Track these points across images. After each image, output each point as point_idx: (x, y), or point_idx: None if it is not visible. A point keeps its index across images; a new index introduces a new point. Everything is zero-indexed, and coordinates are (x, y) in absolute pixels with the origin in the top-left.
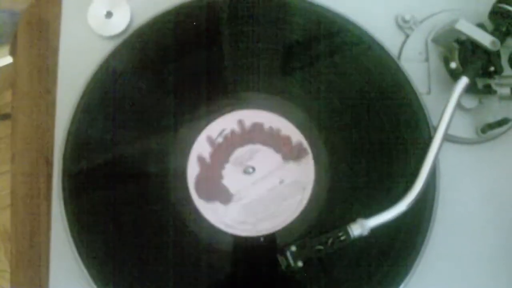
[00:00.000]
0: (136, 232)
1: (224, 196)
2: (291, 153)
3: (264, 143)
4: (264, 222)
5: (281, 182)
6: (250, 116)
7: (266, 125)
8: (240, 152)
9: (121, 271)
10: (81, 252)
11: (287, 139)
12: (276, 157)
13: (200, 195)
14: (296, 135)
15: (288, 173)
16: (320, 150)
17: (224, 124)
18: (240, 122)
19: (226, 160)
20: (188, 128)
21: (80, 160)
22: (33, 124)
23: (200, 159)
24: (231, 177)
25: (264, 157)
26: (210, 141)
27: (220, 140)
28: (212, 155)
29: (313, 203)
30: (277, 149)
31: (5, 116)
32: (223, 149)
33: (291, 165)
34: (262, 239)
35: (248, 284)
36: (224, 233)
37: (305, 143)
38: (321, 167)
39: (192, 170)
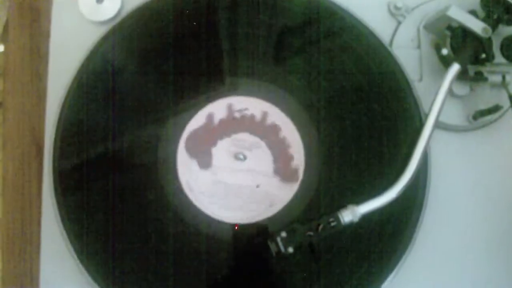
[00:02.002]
0: (126, 221)
1: (204, 160)
2: (284, 173)
3: (270, 146)
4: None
5: (257, 186)
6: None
7: (280, 131)
8: (244, 137)
9: (113, 260)
10: (72, 241)
11: (290, 158)
12: (270, 166)
13: (187, 149)
14: (298, 154)
15: (269, 185)
16: (311, 137)
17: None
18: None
19: (228, 134)
20: (180, 114)
21: (71, 149)
22: (24, 111)
23: (209, 117)
24: (222, 151)
25: (260, 157)
26: (229, 109)
27: (237, 115)
28: (221, 121)
29: (304, 190)
30: (275, 160)
31: None
32: (232, 125)
33: (276, 181)
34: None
35: (241, 272)
36: (217, 221)
37: (301, 170)
38: (312, 153)
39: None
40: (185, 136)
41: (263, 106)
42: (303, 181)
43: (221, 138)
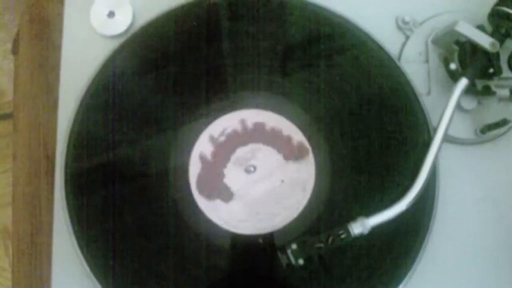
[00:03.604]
0: (137, 230)
1: (225, 194)
2: (292, 153)
3: (266, 142)
4: (265, 220)
5: (282, 181)
6: (251, 115)
7: (268, 125)
8: (241, 151)
9: (123, 269)
10: (83, 251)
11: (288, 139)
12: (277, 157)
13: (202, 193)
14: (297, 135)
15: (289, 173)
16: (321, 150)
17: (226, 123)
18: (242, 122)
19: (227, 159)
20: (190, 127)
21: (82, 159)
22: (34, 123)
23: (202, 158)
24: (232, 175)
25: (265, 157)
26: (212, 140)
27: (222, 139)
28: (214, 154)
29: (314, 202)
30: (279, 149)
31: (7, 115)
32: (225, 148)
33: (292, 165)
34: (260, 240)
35: (249, 282)
36: (225, 231)
37: (306, 143)
38: (322, 166)
39: (194, 169)
40: (194, 182)
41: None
42: (316, 164)
43: (225, 166)
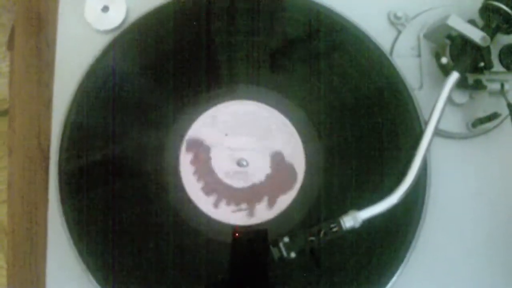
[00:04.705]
0: (132, 226)
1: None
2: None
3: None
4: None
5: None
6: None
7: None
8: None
9: (119, 265)
10: (78, 247)
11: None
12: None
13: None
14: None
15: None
16: (313, 143)
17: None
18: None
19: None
20: (182, 120)
21: (77, 155)
22: (30, 119)
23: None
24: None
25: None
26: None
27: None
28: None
29: (306, 195)
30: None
31: (3, 112)
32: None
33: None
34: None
35: (242, 275)
36: (218, 223)
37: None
38: (314, 159)
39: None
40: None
41: (263, 111)
42: (307, 157)
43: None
